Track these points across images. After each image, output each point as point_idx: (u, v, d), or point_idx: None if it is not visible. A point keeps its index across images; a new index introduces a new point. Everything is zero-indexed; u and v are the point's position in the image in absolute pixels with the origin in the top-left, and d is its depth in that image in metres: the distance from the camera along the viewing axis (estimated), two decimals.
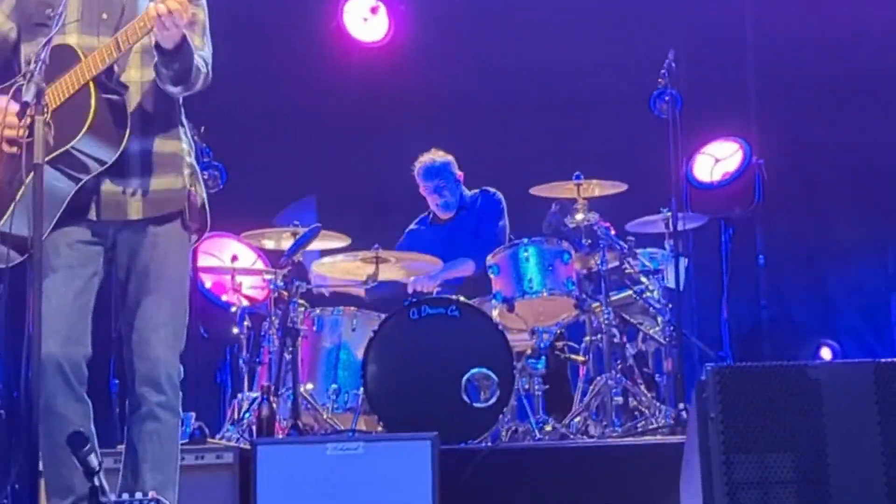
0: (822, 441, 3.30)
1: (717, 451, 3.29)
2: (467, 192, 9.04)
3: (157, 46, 4.83)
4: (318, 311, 7.96)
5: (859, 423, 3.31)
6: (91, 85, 4.86)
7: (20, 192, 4.80)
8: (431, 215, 9.08)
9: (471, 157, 9.01)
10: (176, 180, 5.06)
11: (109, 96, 4.91)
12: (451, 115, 10.01)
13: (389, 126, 10.03)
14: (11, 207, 4.78)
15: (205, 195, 5.18)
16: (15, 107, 4.71)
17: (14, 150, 4.78)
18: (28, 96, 4.48)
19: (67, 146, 4.81)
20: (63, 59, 4.92)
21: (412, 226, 9.16)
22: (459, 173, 8.96)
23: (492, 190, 8.95)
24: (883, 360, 3.38)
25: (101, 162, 4.86)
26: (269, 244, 8.21)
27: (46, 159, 4.62)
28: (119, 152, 4.88)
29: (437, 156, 8.94)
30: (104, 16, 5.10)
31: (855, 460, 3.29)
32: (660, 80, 7.97)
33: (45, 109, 4.50)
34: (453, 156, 8.96)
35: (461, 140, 9.09)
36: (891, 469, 3.27)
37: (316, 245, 8.01)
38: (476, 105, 10.14)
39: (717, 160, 10.20)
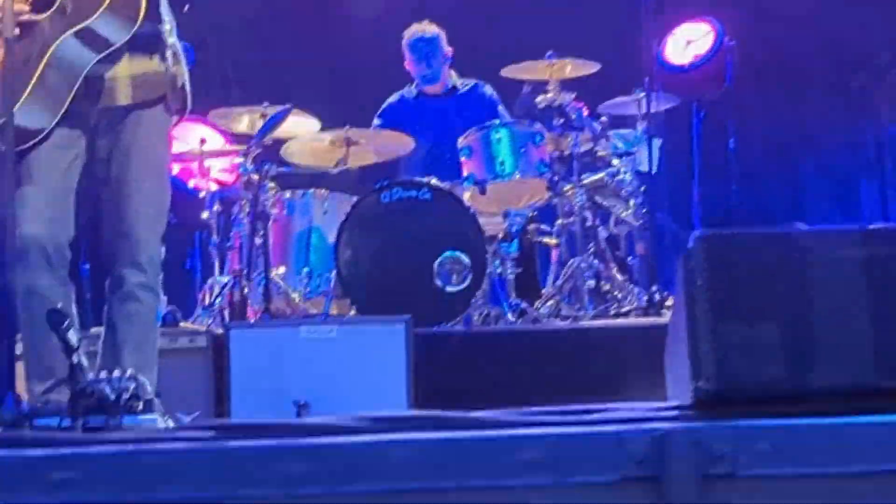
0: (810, 307, 3.30)
1: (704, 318, 3.29)
2: (456, 78, 9.00)
3: None
4: (288, 194, 7.93)
5: (846, 289, 3.31)
6: None
7: (30, 84, 4.79)
8: (417, 89, 9.02)
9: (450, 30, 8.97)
10: (161, 64, 5.04)
11: None
12: None
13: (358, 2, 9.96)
14: (22, 99, 4.75)
15: (186, 74, 5.16)
16: None
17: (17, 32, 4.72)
18: None
19: (87, 22, 4.79)
20: None
21: (391, 99, 9.07)
22: (449, 49, 8.91)
23: (488, 91, 8.95)
24: (871, 225, 3.38)
25: (109, 43, 4.84)
26: (239, 127, 8.17)
27: (65, 35, 4.74)
28: (132, 33, 4.86)
29: (427, 27, 8.88)
30: None
31: (842, 326, 3.30)
32: None
33: None
34: (432, 25, 8.94)
35: (429, 17, 9.00)
36: (878, 334, 3.28)
37: (287, 126, 7.96)
38: None
39: (689, 42, 10.18)
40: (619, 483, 3.03)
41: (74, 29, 4.80)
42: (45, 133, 4.87)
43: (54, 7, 4.83)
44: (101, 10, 4.77)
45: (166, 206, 5.16)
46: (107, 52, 4.85)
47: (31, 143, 4.86)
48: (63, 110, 4.86)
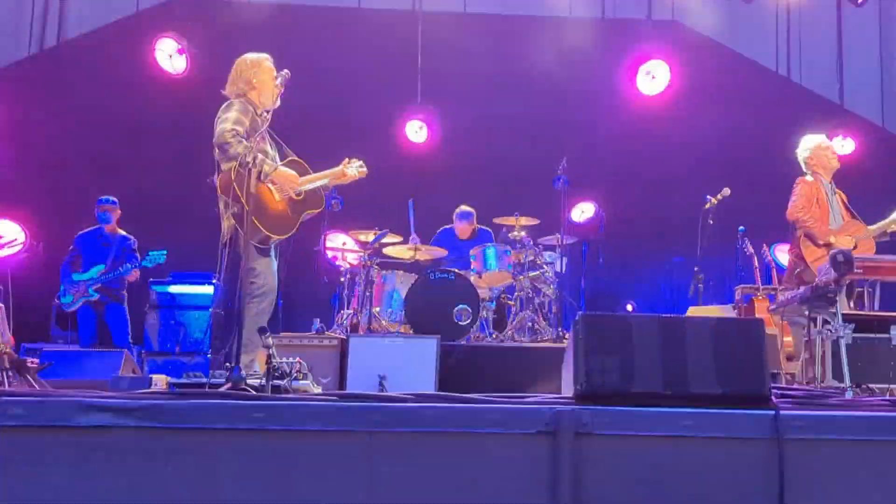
0: (631, 352, 3.27)
1: (582, 353, 3.26)
2: (476, 226, 8.88)
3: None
4: (384, 272, 7.84)
5: (651, 343, 3.28)
6: (320, 190, 5.22)
7: (295, 227, 5.02)
8: (456, 233, 8.90)
9: (471, 202, 8.96)
10: None
11: None
12: (464, 180, 9.76)
13: (427, 188, 9.81)
14: (294, 230, 5.01)
15: None
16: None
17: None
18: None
19: (314, 211, 5.15)
20: (300, 166, 5.11)
21: (439, 230, 8.97)
22: (475, 222, 8.88)
23: (489, 229, 8.83)
24: (665, 315, 3.35)
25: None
26: (362, 238, 8.18)
27: (305, 213, 5.10)
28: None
29: (468, 207, 8.87)
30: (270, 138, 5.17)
31: (648, 360, 3.26)
32: (558, 170, 7.99)
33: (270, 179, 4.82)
34: (469, 207, 8.91)
35: (464, 196, 9.00)
36: (665, 364, 3.23)
37: (386, 239, 8.00)
38: (473, 174, 9.94)
39: (583, 211, 10.21)
40: (535, 434, 2.98)
41: (312, 212, 5.11)
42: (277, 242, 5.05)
43: (303, 196, 5.03)
44: (321, 208, 5.16)
45: None
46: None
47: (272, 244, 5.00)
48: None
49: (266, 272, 4.93)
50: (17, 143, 9.35)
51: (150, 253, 7.83)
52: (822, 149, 6.40)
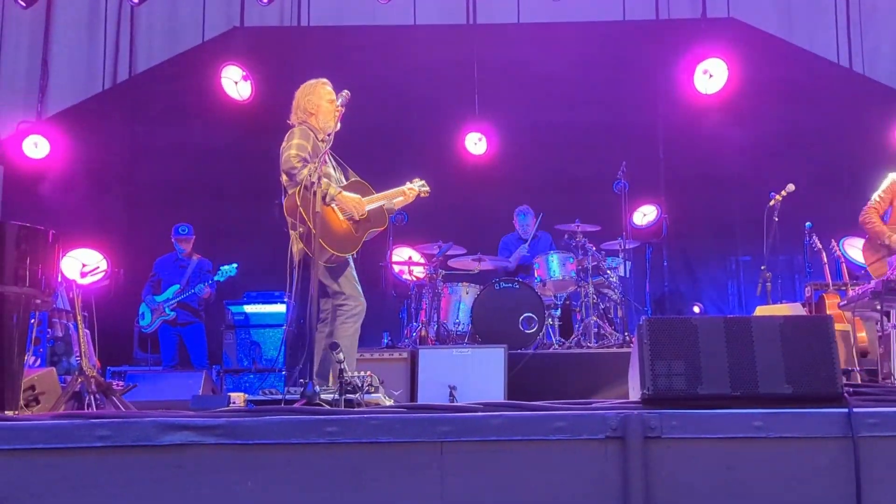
0: (697, 354, 3.22)
1: (647, 357, 3.23)
2: (535, 230, 8.73)
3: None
4: (450, 284, 7.86)
5: (715, 346, 3.23)
6: (384, 209, 5.17)
7: (360, 245, 5.02)
8: (517, 235, 8.82)
9: (535, 208, 8.89)
10: None
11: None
12: (524, 190, 9.49)
13: (488, 199, 9.81)
14: (358, 247, 5.02)
15: None
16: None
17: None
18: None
19: (378, 229, 5.11)
20: (364, 187, 5.10)
21: (504, 238, 8.89)
22: (535, 220, 8.76)
23: (549, 237, 8.73)
24: (729, 315, 3.30)
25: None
26: (428, 251, 8.22)
27: (371, 231, 5.07)
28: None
29: (527, 207, 8.79)
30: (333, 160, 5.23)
31: (713, 363, 3.21)
32: (619, 175, 7.92)
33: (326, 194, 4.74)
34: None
35: (526, 201, 8.96)
36: (732, 368, 3.19)
37: (450, 252, 8.03)
38: (532, 184, 9.75)
39: (644, 214, 9.97)
40: (603, 439, 2.97)
41: (376, 230, 5.07)
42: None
43: (367, 215, 5.03)
44: (382, 228, 5.12)
45: None
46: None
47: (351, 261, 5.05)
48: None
49: (354, 293, 4.94)
50: (95, 174, 9.68)
51: (222, 267, 8.14)
52: None
